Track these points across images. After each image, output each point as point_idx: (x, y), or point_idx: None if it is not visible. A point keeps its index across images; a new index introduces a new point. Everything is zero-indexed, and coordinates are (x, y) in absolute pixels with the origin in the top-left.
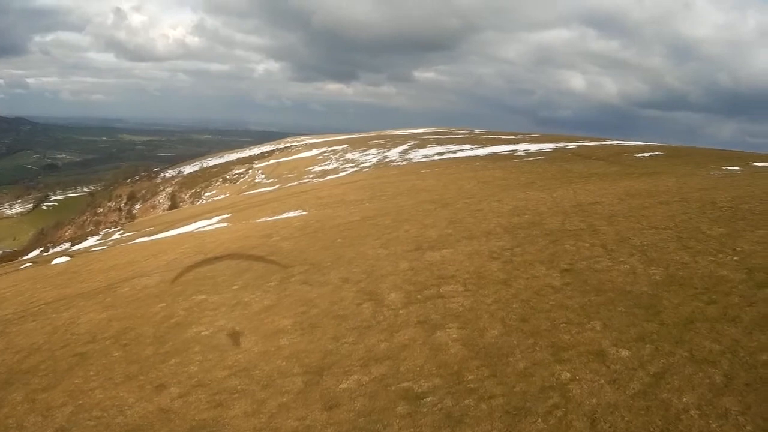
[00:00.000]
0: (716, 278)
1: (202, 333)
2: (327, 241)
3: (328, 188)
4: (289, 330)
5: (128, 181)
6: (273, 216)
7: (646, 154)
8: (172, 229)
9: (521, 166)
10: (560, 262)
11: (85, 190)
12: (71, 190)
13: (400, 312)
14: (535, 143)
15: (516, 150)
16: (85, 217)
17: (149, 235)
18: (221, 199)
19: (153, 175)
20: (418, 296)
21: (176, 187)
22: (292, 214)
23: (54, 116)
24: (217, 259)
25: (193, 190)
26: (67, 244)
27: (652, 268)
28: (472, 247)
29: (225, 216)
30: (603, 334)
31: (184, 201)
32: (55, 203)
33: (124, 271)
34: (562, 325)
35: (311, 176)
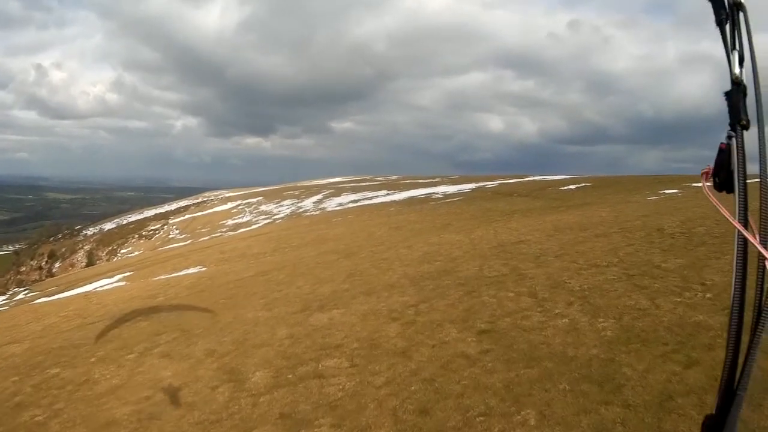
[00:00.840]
0: (690, 326)
1: (36, 418)
2: (210, 302)
3: (234, 242)
4: (122, 423)
5: (51, 239)
6: (171, 273)
7: (572, 187)
8: (73, 289)
9: (437, 209)
10: (477, 320)
11: (11, 248)
12: None
13: (262, 399)
14: (454, 185)
15: (433, 193)
16: (9, 276)
17: (50, 296)
18: (130, 257)
19: (75, 233)
20: (290, 376)
21: (94, 245)
22: (190, 270)
23: None
24: (91, 324)
25: (110, 248)
26: None
27: (600, 319)
28: (369, 306)
29: (127, 274)
30: (541, 430)
31: (101, 258)
32: None
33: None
34: (478, 420)
35: (224, 230)
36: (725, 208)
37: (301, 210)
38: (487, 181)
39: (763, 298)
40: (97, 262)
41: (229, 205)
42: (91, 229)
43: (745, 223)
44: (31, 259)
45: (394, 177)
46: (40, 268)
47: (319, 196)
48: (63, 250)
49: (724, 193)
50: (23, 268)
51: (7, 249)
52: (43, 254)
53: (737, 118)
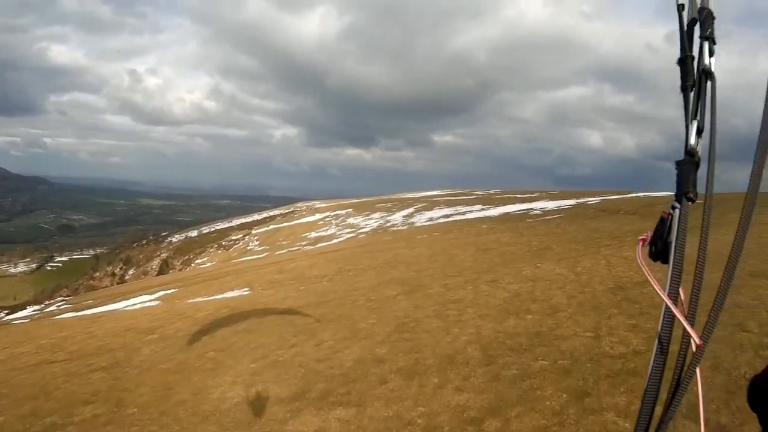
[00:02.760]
0: None
1: None
2: (192, 355)
3: (300, 259)
4: None
5: (135, 244)
6: (210, 296)
7: None
8: (108, 305)
9: (535, 227)
10: None
11: (91, 252)
12: (78, 252)
13: None
14: (553, 200)
15: (531, 209)
16: (81, 281)
17: (81, 310)
18: (200, 268)
19: (160, 239)
20: None
21: (171, 254)
22: (228, 294)
23: (72, 177)
24: (54, 362)
25: (186, 257)
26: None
27: None
28: (399, 409)
29: (168, 292)
30: None
31: (175, 268)
32: (60, 264)
33: None
34: None
35: (304, 243)
36: (656, 280)
37: (388, 224)
38: (588, 197)
39: (682, 374)
40: (170, 271)
41: (317, 216)
42: (176, 236)
43: (675, 297)
44: (108, 265)
45: (491, 191)
46: (113, 274)
47: (410, 210)
48: (140, 257)
49: (659, 262)
50: (97, 274)
51: (88, 252)
52: (121, 260)
53: (684, 190)
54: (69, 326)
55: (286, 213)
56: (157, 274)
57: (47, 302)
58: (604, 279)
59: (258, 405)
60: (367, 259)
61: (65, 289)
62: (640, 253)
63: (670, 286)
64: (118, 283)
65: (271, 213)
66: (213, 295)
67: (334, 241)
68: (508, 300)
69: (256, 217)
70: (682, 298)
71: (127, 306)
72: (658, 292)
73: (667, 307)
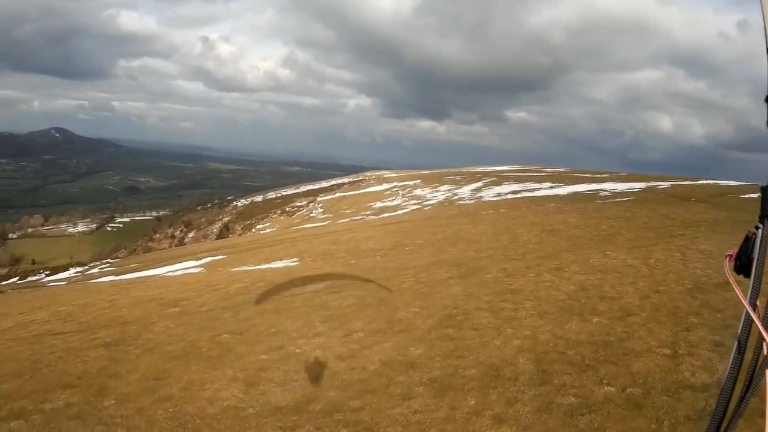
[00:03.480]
0: None
1: None
2: (204, 336)
3: (360, 230)
4: None
5: (199, 208)
6: (255, 265)
7: (754, 195)
8: (150, 269)
9: (604, 209)
10: None
11: (154, 214)
12: (140, 213)
13: None
14: (623, 182)
15: (601, 189)
16: (140, 242)
17: (121, 274)
18: (262, 233)
19: (225, 203)
20: None
21: (233, 218)
22: (277, 264)
23: (140, 140)
24: (59, 334)
25: (248, 222)
26: (42, 274)
27: None
28: None
29: (215, 258)
30: None
31: (235, 232)
32: (120, 225)
33: None
34: None
35: (368, 212)
36: (740, 290)
37: (456, 197)
38: (658, 181)
39: (755, 374)
40: (230, 235)
41: (384, 186)
42: (242, 200)
43: (754, 306)
44: (170, 227)
45: (562, 169)
46: (173, 236)
47: (479, 184)
48: (202, 220)
49: (742, 276)
50: (157, 236)
51: (151, 214)
52: (182, 223)
53: (767, 213)
54: (96, 292)
55: (354, 181)
56: (216, 238)
57: (91, 264)
58: (680, 276)
59: (248, 414)
60: (428, 234)
61: (123, 250)
62: (727, 266)
63: (750, 295)
64: (176, 246)
65: (339, 181)
66: (259, 265)
67: (399, 212)
68: (572, 294)
69: (323, 184)
70: (760, 307)
71: (168, 272)
72: (741, 298)
73: (747, 312)
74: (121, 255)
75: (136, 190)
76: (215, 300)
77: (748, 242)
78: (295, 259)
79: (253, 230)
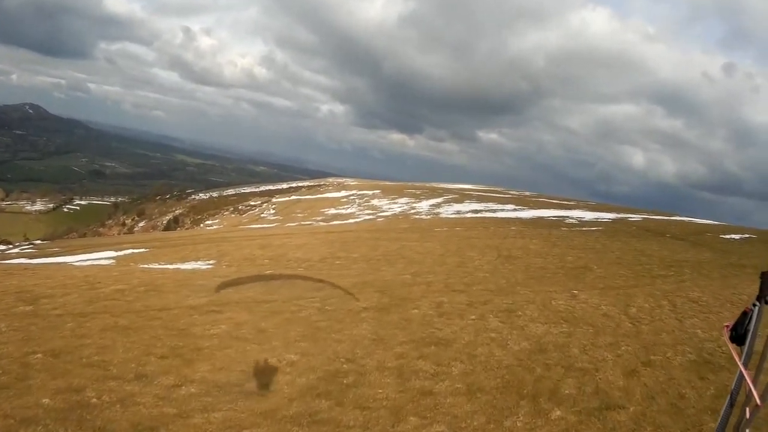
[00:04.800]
0: None
1: None
2: (18, 348)
3: (297, 236)
4: None
5: (158, 198)
6: (167, 264)
7: (735, 237)
8: (66, 256)
9: (570, 239)
10: None
11: (112, 200)
12: (99, 198)
13: None
14: (591, 211)
15: (567, 216)
16: (91, 228)
17: (37, 257)
18: (208, 229)
19: (184, 195)
20: None
21: (184, 211)
22: (189, 265)
23: (111, 124)
24: None
25: (199, 217)
26: None
27: None
28: None
29: (137, 251)
30: None
31: (184, 226)
32: (77, 208)
33: None
34: None
35: (320, 218)
36: (736, 353)
37: (412, 211)
38: (629, 213)
39: (741, 424)
40: (178, 228)
41: (342, 193)
42: (201, 195)
43: (746, 366)
44: (124, 214)
45: (527, 193)
46: (124, 224)
47: (439, 200)
48: (155, 211)
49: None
50: (109, 221)
51: (108, 200)
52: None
53: (764, 295)
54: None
55: (312, 186)
56: (164, 230)
57: (16, 244)
58: (677, 339)
59: None
60: (367, 248)
61: (74, 233)
62: (726, 336)
63: (744, 358)
64: (126, 234)
65: (299, 184)
66: (170, 264)
67: (350, 221)
68: (525, 358)
69: (282, 186)
70: (750, 373)
71: (78, 260)
72: (737, 361)
73: (740, 372)
74: (70, 237)
75: (101, 175)
76: (77, 302)
77: (745, 316)
78: (210, 262)
79: (201, 225)
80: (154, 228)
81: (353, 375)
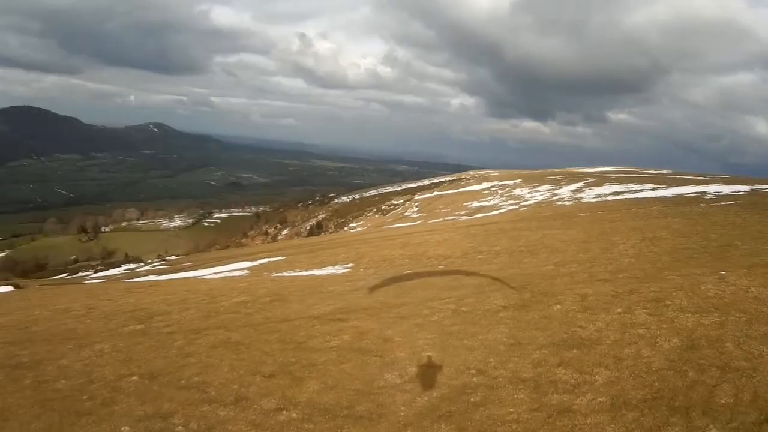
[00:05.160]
0: None
1: None
2: (109, 377)
3: (438, 232)
4: None
5: (300, 204)
6: (304, 270)
7: None
8: (200, 269)
9: (710, 215)
10: None
11: (253, 210)
12: (239, 209)
13: None
14: (727, 185)
15: (704, 192)
16: (234, 238)
17: (169, 273)
18: (353, 232)
19: (327, 200)
20: None
21: (327, 215)
22: (327, 270)
23: (242, 136)
24: None
25: (342, 220)
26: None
27: None
28: None
29: (273, 260)
30: None
31: (328, 230)
32: (218, 221)
33: None
34: None
35: (463, 212)
36: None
37: (555, 198)
38: (763, 184)
39: None
40: (321, 233)
41: (483, 185)
42: (344, 198)
43: None
44: (266, 223)
45: (664, 171)
46: (267, 233)
47: (579, 184)
48: (297, 217)
49: None
50: (252, 232)
51: (248, 210)
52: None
53: None
54: (104, 293)
55: (453, 180)
56: (307, 235)
57: (149, 261)
58: None
59: None
60: (509, 239)
61: (217, 246)
62: None
63: None
64: (270, 242)
65: (439, 179)
66: (306, 270)
67: (494, 212)
68: (676, 358)
69: (424, 182)
70: None
71: (210, 274)
72: None
73: None
74: (210, 250)
75: (239, 186)
76: (193, 318)
77: None
78: (348, 265)
79: (345, 228)
80: (297, 235)
81: (482, 390)
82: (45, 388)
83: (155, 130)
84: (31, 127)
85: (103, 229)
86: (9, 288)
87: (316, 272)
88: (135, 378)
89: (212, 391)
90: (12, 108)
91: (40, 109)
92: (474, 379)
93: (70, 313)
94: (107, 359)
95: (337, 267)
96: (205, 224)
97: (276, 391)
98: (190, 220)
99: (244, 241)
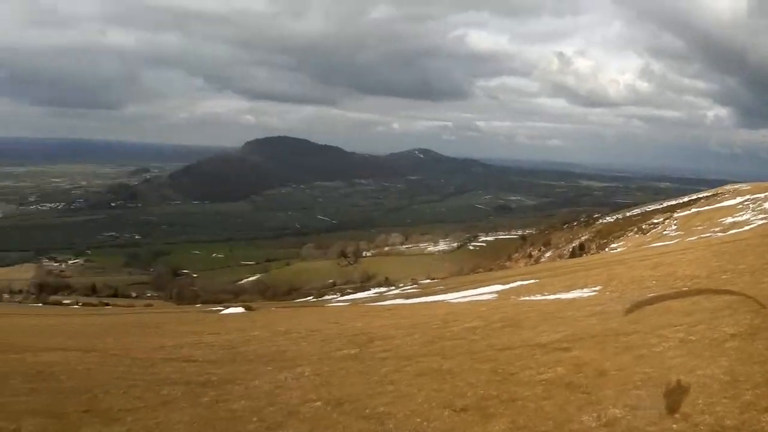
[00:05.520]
0: None
1: None
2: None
3: (693, 250)
4: None
5: (565, 226)
6: (549, 294)
7: None
8: (448, 293)
9: None
10: None
11: (518, 233)
12: (505, 232)
13: None
14: None
15: None
16: (498, 262)
17: (417, 297)
18: (614, 252)
19: (591, 221)
20: None
21: (589, 236)
22: (572, 294)
23: (509, 159)
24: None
25: (604, 241)
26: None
27: None
28: None
29: (524, 283)
30: None
31: (590, 251)
32: (483, 244)
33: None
34: None
35: (718, 229)
36: None
37: None
38: None
39: None
40: (583, 255)
41: (737, 200)
42: (608, 218)
43: None
44: (531, 246)
45: None
46: (530, 255)
47: None
48: (561, 239)
49: None
50: (516, 255)
51: (514, 233)
52: (542, 242)
53: None
54: (336, 316)
55: (709, 196)
56: (569, 257)
57: (401, 285)
58: None
59: None
60: (754, 256)
61: (480, 269)
62: None
63: None
64: (533, 264)
65: (698, 195)
66: (555, 293)
67: (745, 228)
68: None
69: (684, 199)
70: None
71: (457, 297)
72: None
73: None
74: (472, 273)
75: (507, 209)
76: (414, 344)
77: None
78: (596, 288)
79: (606, 249)
80: (560, 256)
81: None
82: (219, 408)
83: (421, 156)
84: (288, 157)
85: (364, 253)
86: (240, 309)
87: (562, 296)
88: (319, 404)
89: (390, 424)
90: (266, 139)
91: (297, 139)
92: (674, 425)
93: (289, 335)
94: (301, 383)
95: (585, 290)
96: (470, 248)
97: (458, 428)
98: (455, 244)
99: (507, 264)
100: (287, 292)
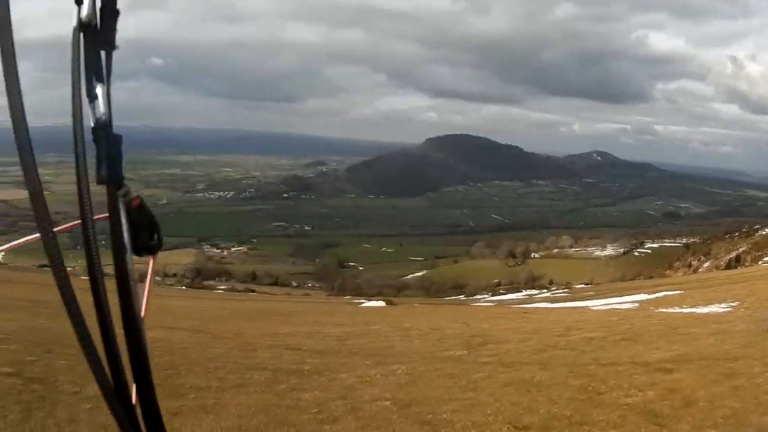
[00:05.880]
0: None
1: None
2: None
3: None
4: None
5: (726, 236)
6: (687, 307)
7: None
8: (597, 299)
9: None
10: None
11: (683, 241)
12: (671, 240)
13: None
14: None
15: None
16: (658, 270)
17: (561, 301)
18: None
19: (751, 232)
20: None
21: (747, 248)
22: (708, 308)
23: (681, 164)
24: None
25: (759, 253)
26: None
27: None
28: None
29: (668, 293)
30: None
31: (744, 263)
32: (648, 251)
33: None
34: None
35: None
36: None
37: None
38: None
39: None
40: (738, 267)
41: None
42: (767, 229)
43: None
44: (692, 255)
45: None
46: (689, 265)
47: None
48: (721, 250)
49: None
50: (676, 263)
51: (680, 241)
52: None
53: None
54: (469, 316)
55: None
56: (724, 269)
57: (553, 288)
58: None
59: None
60: None
61: (641, 277)
62: None
63: None
64: (688, 275)
65: None
66: (693, 306)
67: None
68: None
69: None
70: None
71: (600, 305)
72: None
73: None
74: (634, 280)
75: (676, 216)
76: (524, 351)
77: None
78: (733, 304)
79: (759, 263)
80: (717, 267)
81: None
82: (287, 396)
83: (598, 158)
84: (468, 155)
85: (532, 255)
86: (380, 303)
87: (698, 310)
88: (386, 403)
89: None
90: (447, 136)
91: (478, 137)
92: None
93: (408, 332)
94: (387, 380)
95: (722, 305)
96: (636, 254)
97: None
98: (622, 250)
99: (667, 272)
100: (452, 289)
